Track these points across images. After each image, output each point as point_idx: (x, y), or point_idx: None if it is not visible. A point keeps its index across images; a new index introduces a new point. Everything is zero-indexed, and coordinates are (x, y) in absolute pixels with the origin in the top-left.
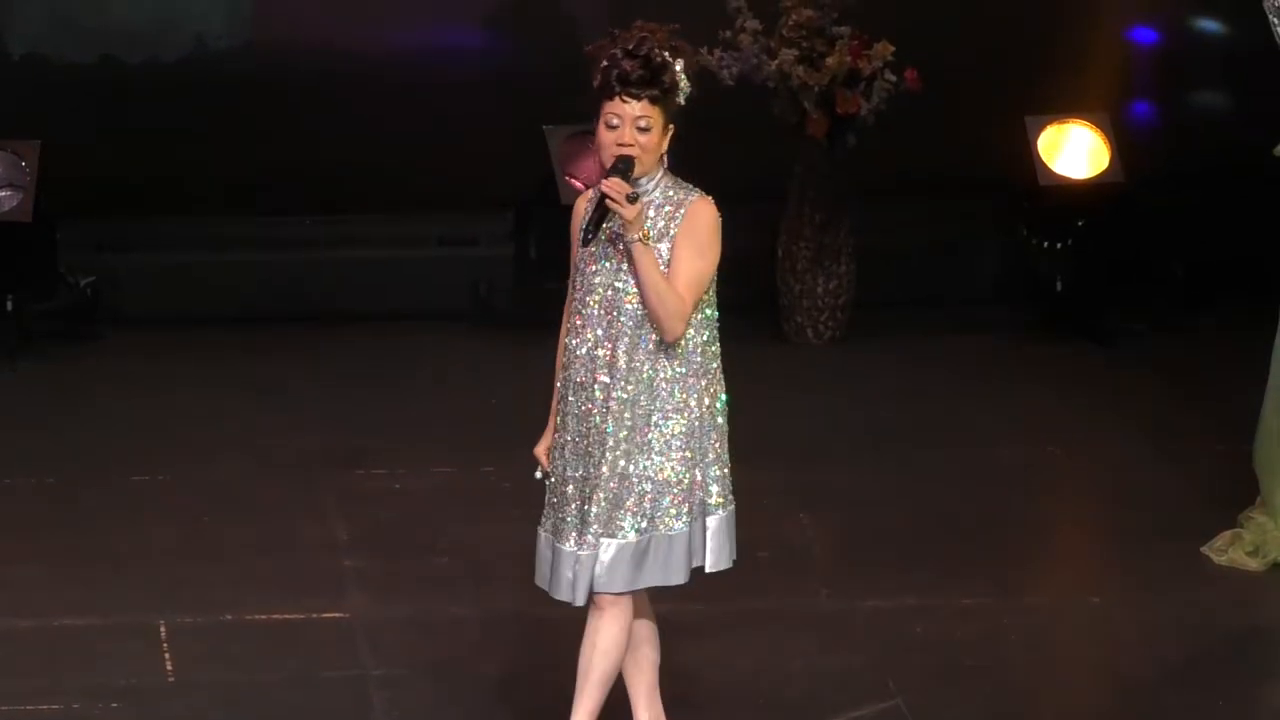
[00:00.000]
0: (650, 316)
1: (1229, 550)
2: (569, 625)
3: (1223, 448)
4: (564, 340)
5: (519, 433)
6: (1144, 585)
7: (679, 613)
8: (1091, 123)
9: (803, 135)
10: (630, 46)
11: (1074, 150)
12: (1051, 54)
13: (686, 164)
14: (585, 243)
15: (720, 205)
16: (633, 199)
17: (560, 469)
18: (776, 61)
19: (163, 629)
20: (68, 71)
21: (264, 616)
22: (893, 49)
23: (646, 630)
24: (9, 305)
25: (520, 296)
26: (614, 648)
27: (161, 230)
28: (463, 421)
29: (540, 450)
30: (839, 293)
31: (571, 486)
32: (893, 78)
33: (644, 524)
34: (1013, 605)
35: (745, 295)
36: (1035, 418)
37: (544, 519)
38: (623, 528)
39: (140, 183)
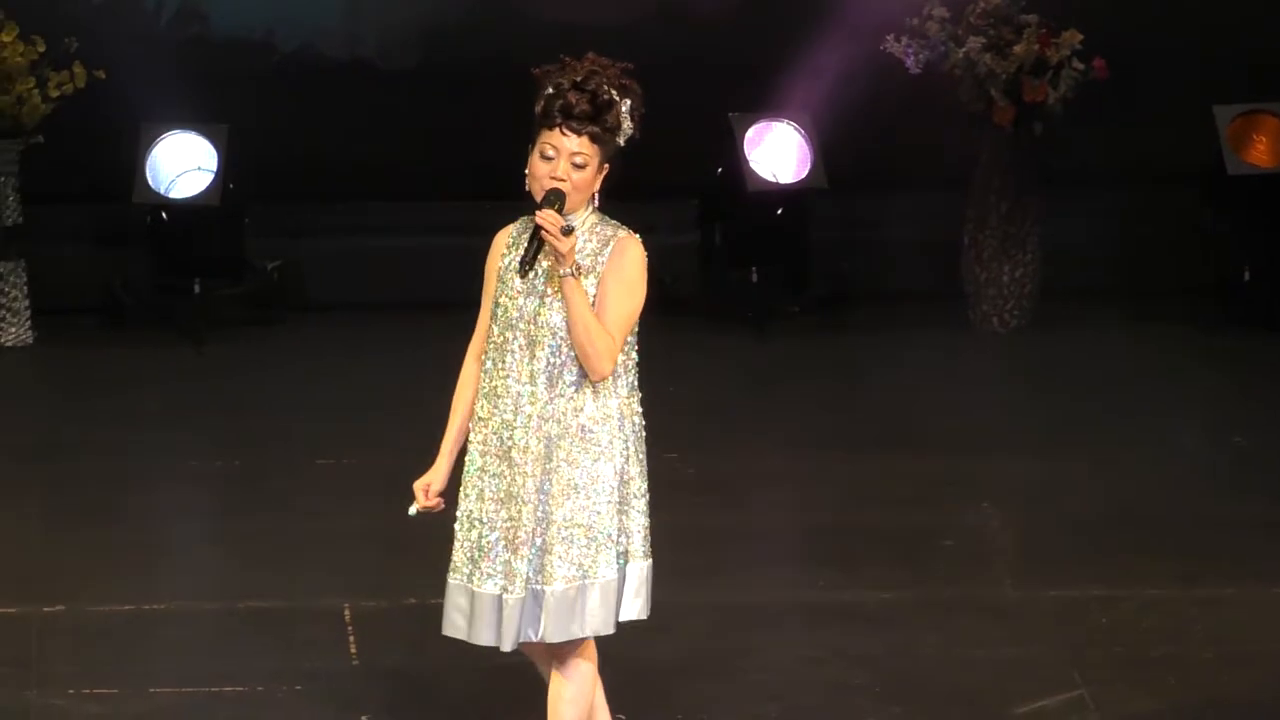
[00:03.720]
0: (578, 354)
1: None
2: (761, 607)
3: None
4: (468, 376)
5: (707, 420)
6: None
7: (861, 601)
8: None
9: (989, 123)
10: (579, 79)
11: (1263, 140)
12: (1240, 43)
13: (876, 150)
14: (524, 275)
15: (908, 192)
16: (567, 231)
17: (477, 513)
18: (964, 49)
19: (347, 612)
20: (260, 58)
21: None
22: (1081, 37)
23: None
24: (197, 288)
25: (705, 284)
26: (580, 695)
27: (347, 215)
28: (647, 408)
29: (419, 485)
30: (1024, 281)
31: (495, 532)
32: (1080, 66)
33: (573, 571)
34: (1198, 596)
35: (931, 283)
36: (1220, 408)
37: (457, 566)
38: (554, 575)
39: (328, 168)
